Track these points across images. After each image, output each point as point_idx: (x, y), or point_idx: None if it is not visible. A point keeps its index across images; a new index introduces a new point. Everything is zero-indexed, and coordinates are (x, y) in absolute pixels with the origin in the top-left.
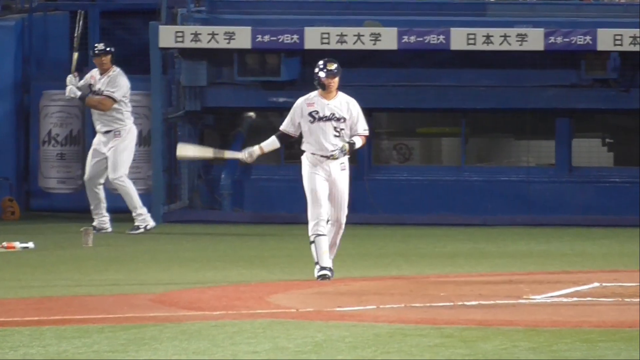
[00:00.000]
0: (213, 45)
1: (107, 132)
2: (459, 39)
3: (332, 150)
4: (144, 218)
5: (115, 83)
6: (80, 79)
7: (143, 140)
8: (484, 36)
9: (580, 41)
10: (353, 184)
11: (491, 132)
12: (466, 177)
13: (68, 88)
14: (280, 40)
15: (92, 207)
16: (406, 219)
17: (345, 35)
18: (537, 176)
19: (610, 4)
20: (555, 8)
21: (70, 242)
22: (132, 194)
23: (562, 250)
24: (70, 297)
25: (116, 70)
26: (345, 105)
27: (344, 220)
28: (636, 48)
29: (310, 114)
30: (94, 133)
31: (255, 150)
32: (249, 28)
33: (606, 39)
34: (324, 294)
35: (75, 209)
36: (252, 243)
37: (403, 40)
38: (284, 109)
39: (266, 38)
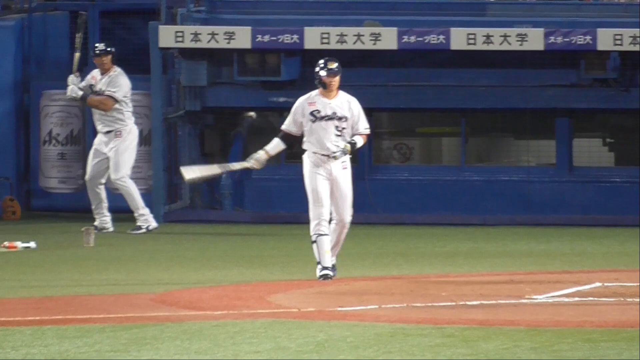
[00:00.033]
0: (213, 45)
1: (108, 132)
2: (459, 38)
3: (334, 152)
4: (146, 218)
5: (116, 83)
6: (82, 79)
7: (143, 140)
8: (484, 36)
9: (580, 41)
10: (353, 183)
11: (491, 131)
12: (466, 176)
13: (70, 88)
14: (280, 40)
15: (93, 207)
16: (406, 219)
17: (345, 35)
18: (538, 176)
19: (610, 3)
20: (555, 8)
21: (71, 242)
22: (134, 194)
23: (563, 250)
24: (72, 296)
25: (117, 70)
26: (347, 104)
27: (348, 219)
28: (636, 48)
29: (311, 113)
30: (94, 133)
31: (262, 155)
32: (249, 28)
33: (606, 39)
34: (325, 294)
35: (76, 208)
36: (252, 243)
37: (403, 40)
38: (284, 109)
39: (266, 38)
